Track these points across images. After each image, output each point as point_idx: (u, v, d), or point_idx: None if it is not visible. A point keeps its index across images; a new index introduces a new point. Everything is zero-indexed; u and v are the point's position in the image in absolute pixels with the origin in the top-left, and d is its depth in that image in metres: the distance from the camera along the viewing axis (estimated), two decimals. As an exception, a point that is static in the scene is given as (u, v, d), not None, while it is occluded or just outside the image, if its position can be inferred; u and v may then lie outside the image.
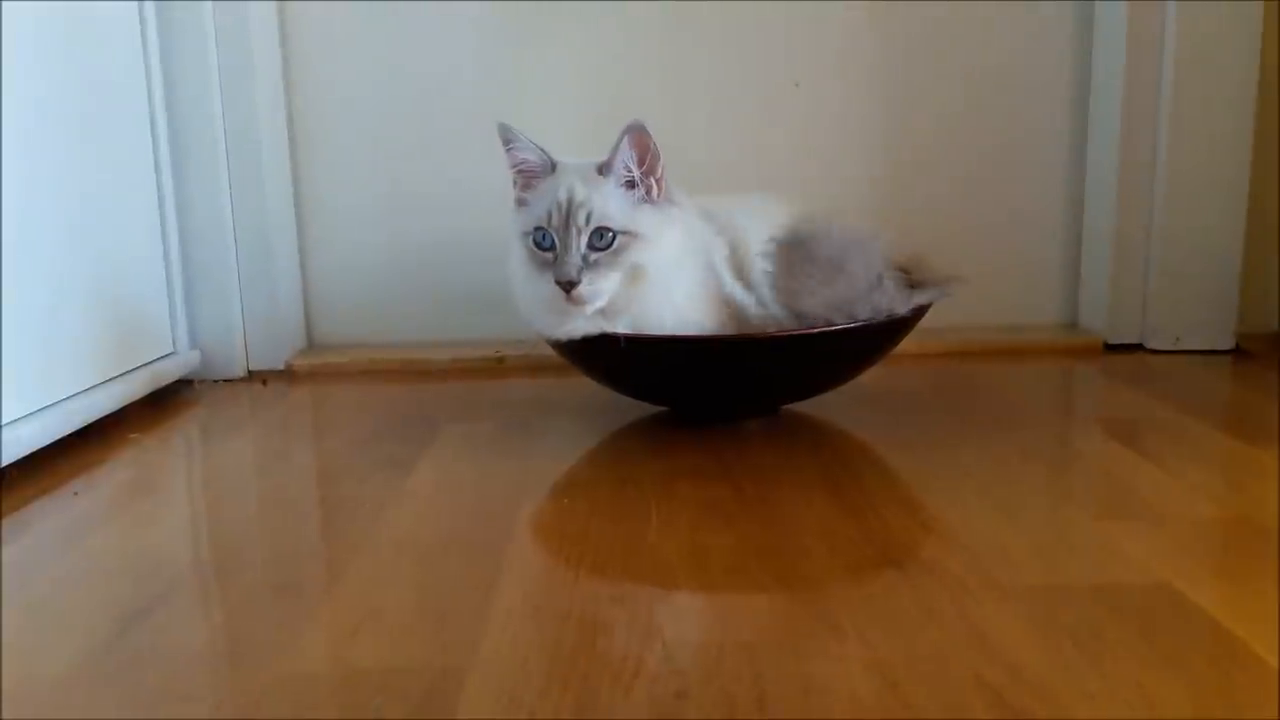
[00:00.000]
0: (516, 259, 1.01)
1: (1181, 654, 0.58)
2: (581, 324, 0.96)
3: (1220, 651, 0.58)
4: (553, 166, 0.99)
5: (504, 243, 1.40)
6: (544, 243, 0.96)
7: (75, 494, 0.92)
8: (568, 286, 0.93)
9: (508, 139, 0.99)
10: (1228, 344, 1.35)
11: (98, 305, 1.13)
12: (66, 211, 1.08)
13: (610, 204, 0.95)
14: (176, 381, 1.29)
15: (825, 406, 1.09)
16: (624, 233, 0.95)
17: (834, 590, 0.68)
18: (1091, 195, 1.43)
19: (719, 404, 1.08)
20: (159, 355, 1.26)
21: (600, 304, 0.95)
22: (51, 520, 0.86)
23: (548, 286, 0.95)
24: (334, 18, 1.40)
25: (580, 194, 0.95)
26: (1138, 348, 1.38)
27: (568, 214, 0.94)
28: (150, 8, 1.25)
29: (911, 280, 1.06)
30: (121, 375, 1.16)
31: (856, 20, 1.41)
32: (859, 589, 0.68)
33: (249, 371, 1.37)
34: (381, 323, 1.47)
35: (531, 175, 1.00)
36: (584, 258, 0.94)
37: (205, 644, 0.63)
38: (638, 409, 1.10)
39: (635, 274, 0.95)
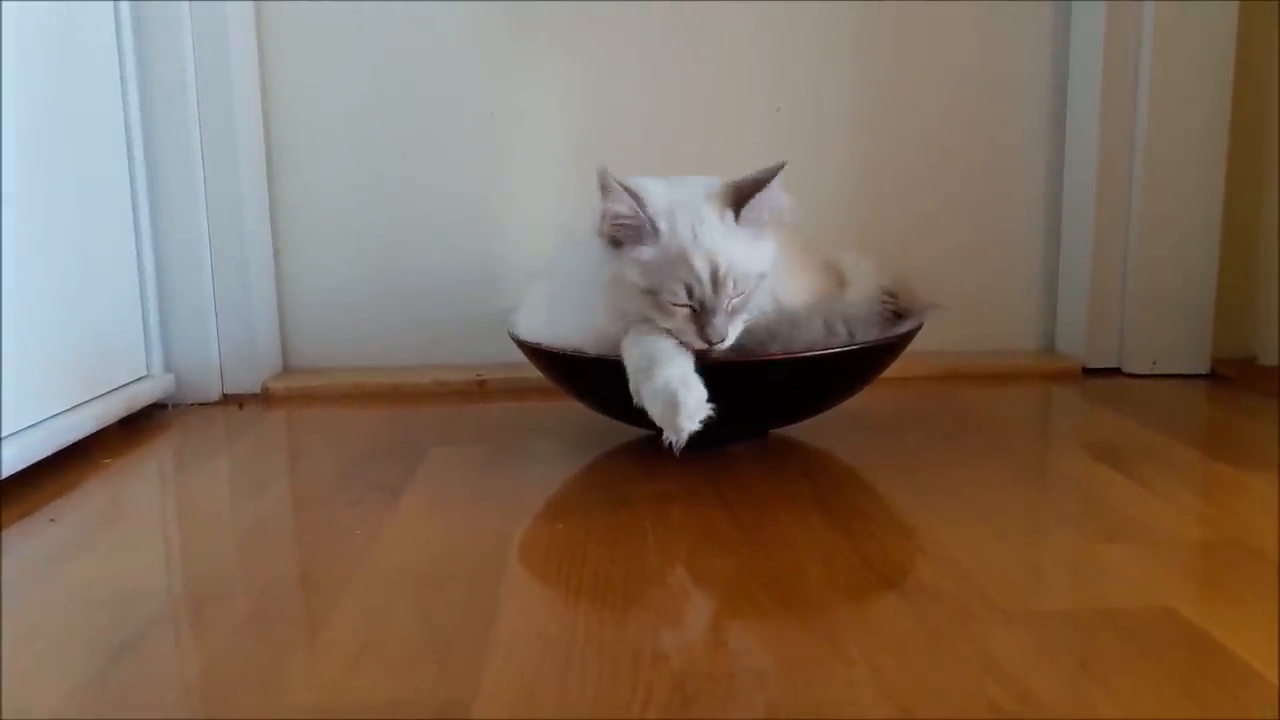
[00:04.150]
0: (618, 301, 0.95)
1: (1190, 677, 0.58)
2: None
3: (1227, 674, 0.58)
4: (655, 228, 0.92)
5: (485, 263, 1.42)
6: (678, 299, 0.92)
7: (51, 520, 0.90)
8: (719, 342, 0.91)
9: (606, 186, 0.92)
10: (1203, 368, 1.37)
11: (69, 327, 1.11)
12: (37, 230, 1.05)
13: (747, 256, 0.93)
14: (150, 405, 1.26)
15: (811, 431, 1.09)
16: (755, 275, 0.94)
17: (838, 615, 0.67)
18: (1068, 222, 1.45)
19: (708, 427, 1.07)
20: (132, 379, 1.24)
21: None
22: (30, 547, 0.83)
23: (687, 337, 0.92)
24: (314, 33, 1.39)
25: (724, 261, 0.91)
26: (1115, 372, 1.40)
27: (714, 284, 0.91)
28: (125, 8, 1.23)
29: (896, 307, 1.07)
30: (94, 399, 1.14)
31: (836, 47, 1.43)
32: (862, 613, 0.67)
33: (224, 395, 1.35)
34: (358, 346, 1.45)
35: (626, 227, 0.93)
36: (726, 310, 0.92)
37: (199, 677, 0.61)
38: (623, 432, 1.09)
39: (754, 304, 0.96)
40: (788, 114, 1.44)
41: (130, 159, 1.24)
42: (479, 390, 1.37)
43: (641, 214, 0.92)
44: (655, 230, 0.92)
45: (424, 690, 0.58)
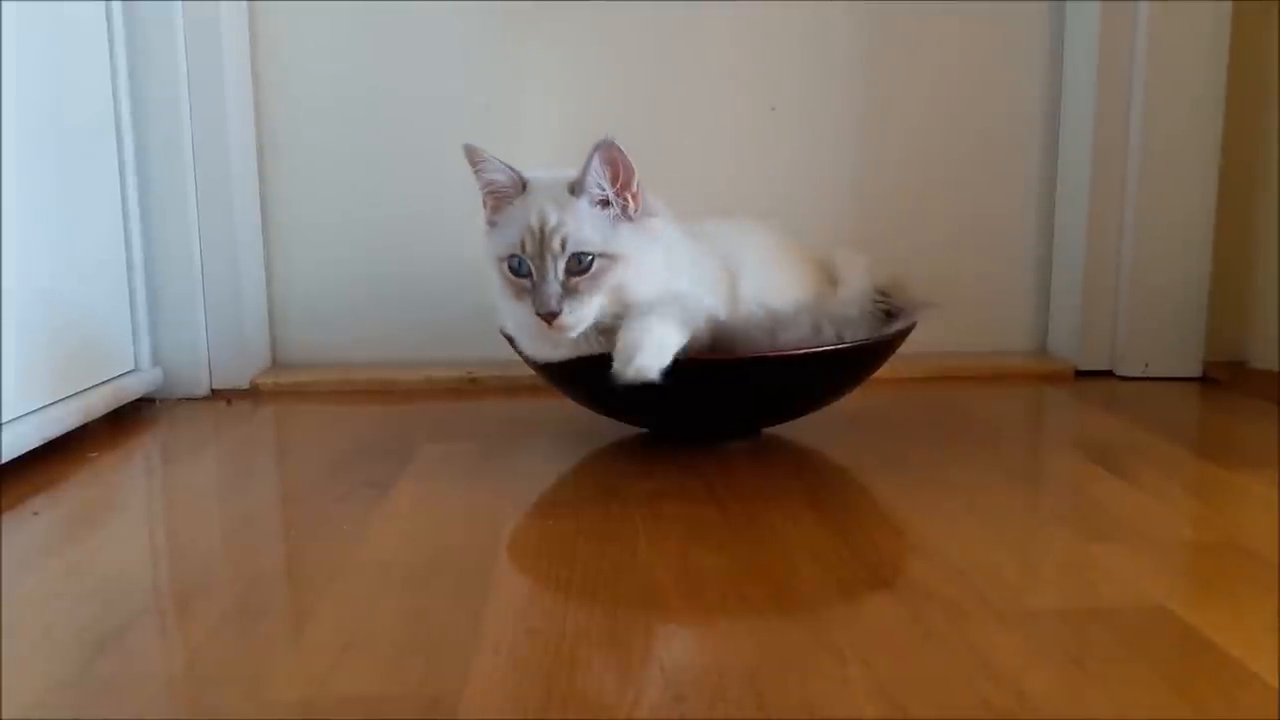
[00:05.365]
0: (496, 283, 0.98)
1: (1184, 676, 0.57)
2: (566, 348, 0.94)
3: (1221, 673, 0.58)
4: (523, 186, 0.96)
5: (476, 262, 1.40)
6: (520, 269, 0.93)
7: (35, 514, 0.89)
8: (549, 317, 0.90)
9: (475, 160, 0.96)
10: (1195, 371, 1.37)
11: (56, 320, 1.09)
12: (25, 221, 1.04)
13: (585, 226, 0.92)
14: (138, 400, 1.25)
15: (804, 429, 1.08)
16: (602, 255, 0.91)
17: (830, 612, 0.67)
18: (1062, 225, 1.45)
19: (701, 425, 1.07)
20: (120, 372, 1.23)
21: (583, 329, 0.92)
22: (12, 540, 0.82)
23: (529, 315, 0.92)
24: (307, 30, 1.38)
25: (553, 219, 0.91)
26: (1107, 374, 1.40)
27: (541, 240, 0.91)
28: (118, 8, 1.22)
29: (889, 306, 1.07)
30: (80, 392, 1.12)
31: (831, 48, 1.42)
32: (855, 611, 0.67)
33: (212, 390, 1.34)
34: (348, 342, 1.44)
35: (502, 196, 0.97)
36: (563, 285, 0.91)
37: (183, 672, 0.60)
38: (615, 430, 1.09)
39: (619, 295, 0.92)
40: (782, 113, 1.43)
41: (120, 151, 1.23)
42: (470, 387, 1.36)
43: (515, 176, 0.95)
44: (524, 189, 0.95)
45: (411, 685, 0.57)
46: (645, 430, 1.10)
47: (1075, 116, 1.41)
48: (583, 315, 0.91)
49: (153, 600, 0.72)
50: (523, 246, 0.92)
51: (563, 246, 0.91)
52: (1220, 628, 0.63)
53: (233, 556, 0.81)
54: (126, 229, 1.25)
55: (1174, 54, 1.32)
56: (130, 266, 1.25)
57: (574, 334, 0.92)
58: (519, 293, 0.93)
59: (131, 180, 1.25)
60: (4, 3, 1.00)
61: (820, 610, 0.67)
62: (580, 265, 0.91)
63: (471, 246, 1.39)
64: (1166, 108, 1.33)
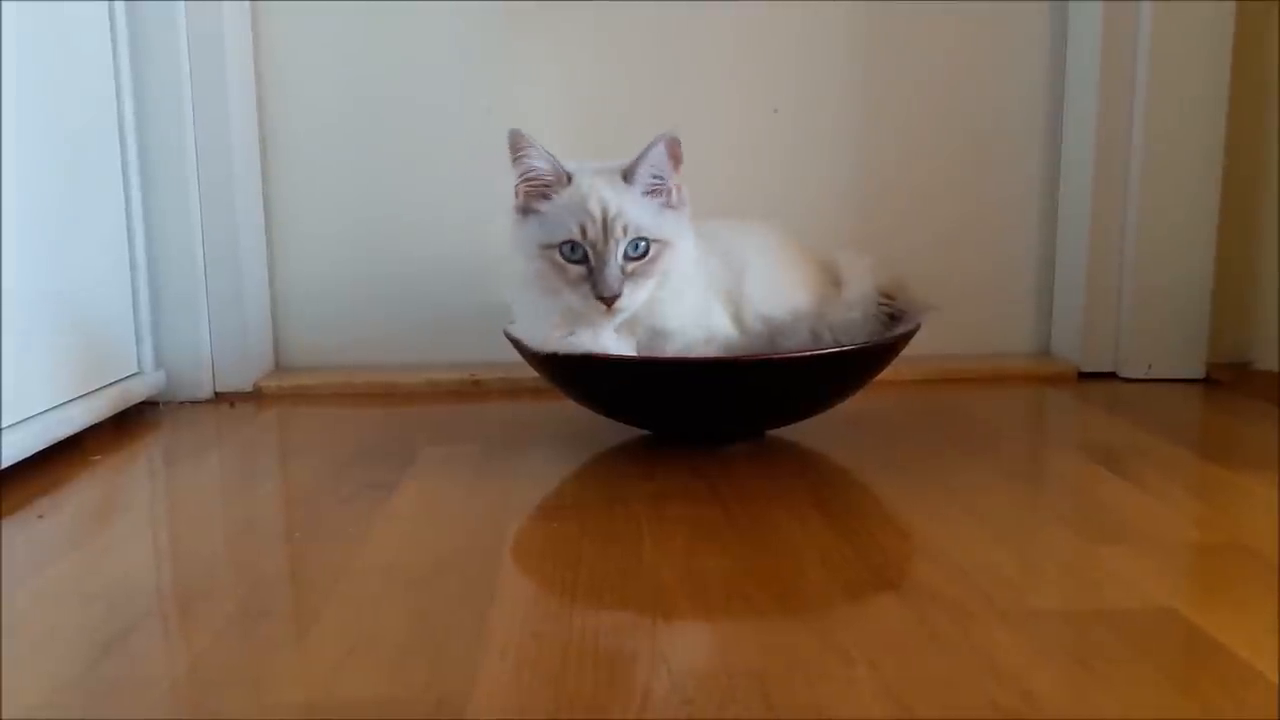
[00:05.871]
0: (526, 271, 0.99)
1: (1190, 676, 0.57)
2: (582, 339, 0.95)
3: (1227, 673, 0.57)
4: (568, 177, 0.97)
5: (478, 263, 1.40)
6: (573, 255, 0.95)
7: (39, 517, 0.89)
8: (611, 300, 0.93)
9: (520, 146, 0.97)
10: (1198, 373, 1.36)
11: (60, 322, 1.09)
12: (28, 224, 1.04)
13: (643, 213, 0.95)
14: (141, 403, 1.25)
15: (808, 432, 1.08)
16: (656, 241, 0.95)
17: (836, 614, 0.67)
18: (1064, 226, 1.45)
19: (704, 427, 1.07)
20: (123, 375, 1.23)
21: (634, 309, 0.96)
22: (17, 544, 0.82)
23: (580, 300, 0.94)
24: (310, 30, 1.38)
25: (614, 205, 0.94)
26: (1110, 376, 1.40)
27: (604, 226, 0.94)
28: (120, 9, 1.22)
29: (892, 309, 1.07)
30: (84, 395, 1.12)
31: (832, 48, 1.42)
32: (860, 613, 0.67)
33: (216, 393, 1.34)
34: (351, 345, 1.44)
35: (542, 185, 0.98)
36: (622, 269, 0.94)
37: (186, 674, 0.60)
38: (617, 432, 1.09)
39: (664, 278, 0.97)
40: (785, 115, 1.43)
41: (124, 153, 1.23)
42: (473, 390, 1.36)
43: (559, 167, 0.97)
44: (568, 180, 0.97)
45: (416, 688, 0.57)
46: (648, 432, 1.10)
47: (1077, 116, 1.41)
48: (638, 298, 0.96)
49: (157, 603, 0.72)
50: (583, 232, 0.94)
51: (625, 232, 0.94)
52: (1225, 628, 0.62)
53: (236, 559, 0.81)
54: (129, 230, 1.25)
55: (1177, 54, 1.32)
56: (133, 268, 1.25)
57: (626, 315, 0.95)
58: (573, 279, 0.95)
59: (134, 181, 1.25)
60: (5, 3, 1.00)
61: (826, 611, 0.67)
62: (637, 251, 0.95)
63: (472, 246, 1.40)
64: (1169, 108, 1.33)
